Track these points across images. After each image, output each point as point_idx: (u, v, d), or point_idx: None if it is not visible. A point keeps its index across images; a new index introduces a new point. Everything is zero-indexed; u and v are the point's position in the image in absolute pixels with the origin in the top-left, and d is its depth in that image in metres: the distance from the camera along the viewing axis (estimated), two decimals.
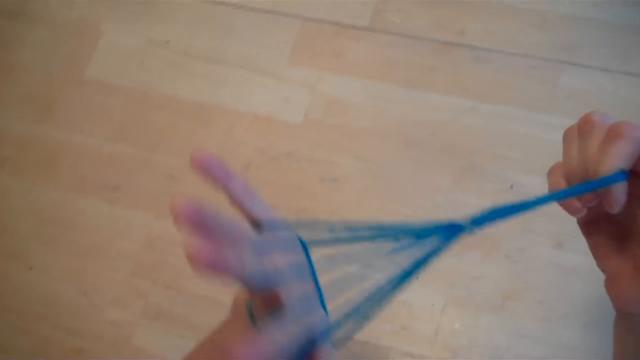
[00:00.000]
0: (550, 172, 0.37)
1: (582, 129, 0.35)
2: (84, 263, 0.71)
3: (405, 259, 0.37)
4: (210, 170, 0.38)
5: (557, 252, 0.62)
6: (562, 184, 0.36)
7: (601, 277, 0.60)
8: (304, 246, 0.40)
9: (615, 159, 0.33)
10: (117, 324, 0.68)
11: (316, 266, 0.40)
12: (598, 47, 0.70)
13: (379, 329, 0.62)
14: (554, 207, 0.63)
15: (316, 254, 0.39)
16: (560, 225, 0.63)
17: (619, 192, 0.33)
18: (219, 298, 0.65)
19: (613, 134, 0.33)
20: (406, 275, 0.36)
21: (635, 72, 0.69)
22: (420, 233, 0.37)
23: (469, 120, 0.70)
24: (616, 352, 0.39)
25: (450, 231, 0.37)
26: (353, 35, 0.76)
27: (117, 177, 0.75)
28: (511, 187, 0.66)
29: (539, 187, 0.65)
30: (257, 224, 0.40)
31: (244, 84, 0.75)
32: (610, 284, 0.37)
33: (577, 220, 0.38)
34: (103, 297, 0.69)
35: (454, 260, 0.63)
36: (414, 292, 0.61)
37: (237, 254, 0.32)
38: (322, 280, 0.38)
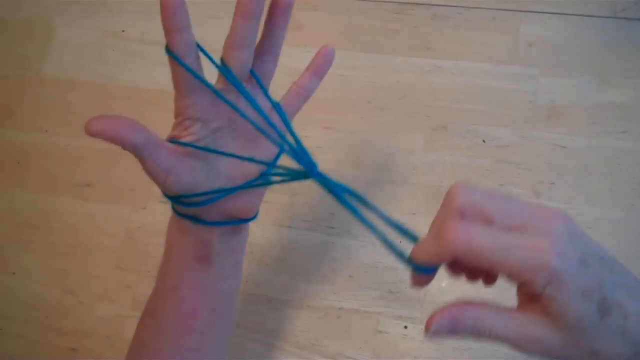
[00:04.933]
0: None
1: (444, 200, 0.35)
2: (66, 262, 0.71)
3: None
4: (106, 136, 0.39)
5: (535, 201, 0.63)
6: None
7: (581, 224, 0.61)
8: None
9: (425, 257, 0.35)
10: (107, 319, 0.68)
11: None
12: None
13: (367, 296, 0.63)
14: (527, 159, 0.64)
15: None
16: (535, 174, 0.64)
17: (419, 280, 0.36)
18: None
19: (440, 233, 0.33)
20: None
21: (592, 13, 0.69)
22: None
23: (434, 79, 0.70)
24: None
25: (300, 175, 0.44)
26: (310, 3, 0.75)
27: (88, 173, 0.74)
28: (483, 141, 0.66)
29: (510, 137, 0.66)
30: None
31: (203, 65, 0.74)
32: None
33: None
34: (90, 294, 0.69)
35: None
36: None
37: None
38: None
